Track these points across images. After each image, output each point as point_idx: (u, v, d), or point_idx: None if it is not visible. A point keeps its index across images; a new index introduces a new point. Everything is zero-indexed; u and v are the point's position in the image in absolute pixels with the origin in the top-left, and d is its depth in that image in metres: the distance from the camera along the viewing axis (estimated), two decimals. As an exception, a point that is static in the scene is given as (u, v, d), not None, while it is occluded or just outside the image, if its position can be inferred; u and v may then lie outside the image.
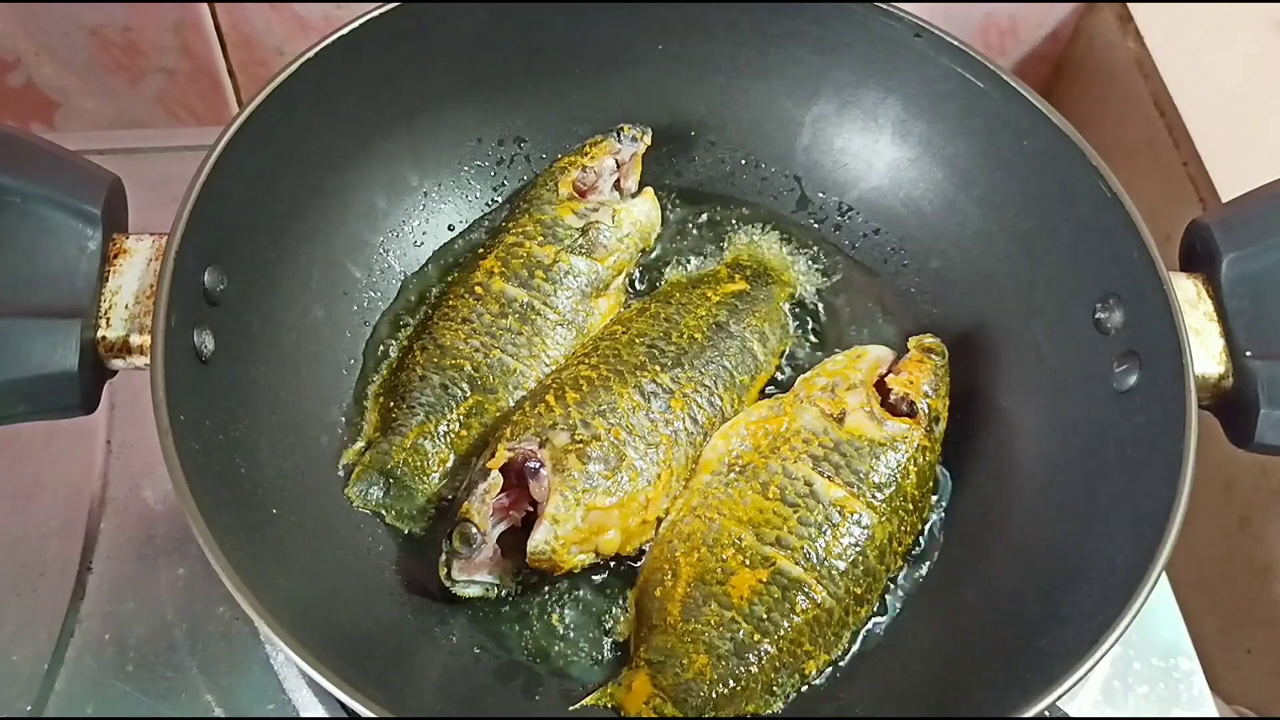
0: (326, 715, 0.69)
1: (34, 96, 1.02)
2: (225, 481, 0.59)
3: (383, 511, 0.66)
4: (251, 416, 0.64)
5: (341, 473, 0.68)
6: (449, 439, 0.68)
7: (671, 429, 0.67)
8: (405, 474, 0.67)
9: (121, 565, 0.73)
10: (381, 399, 0.70)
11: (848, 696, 0.64)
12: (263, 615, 0.51)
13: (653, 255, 0.78)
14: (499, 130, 0.79)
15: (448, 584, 0.62)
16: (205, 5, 0.96)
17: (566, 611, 0.65)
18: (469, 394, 0.68)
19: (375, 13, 0.69)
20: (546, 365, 0.70)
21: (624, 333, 0.71)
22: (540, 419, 0.65)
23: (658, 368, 0.68)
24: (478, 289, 0.72)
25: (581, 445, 0.63)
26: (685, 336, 0.71)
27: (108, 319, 0.60)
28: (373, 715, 0.51)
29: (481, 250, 0.76)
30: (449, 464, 0.67)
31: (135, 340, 0.60)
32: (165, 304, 0.57)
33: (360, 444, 0.69)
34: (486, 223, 0.78)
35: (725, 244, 0.79)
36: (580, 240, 0.73)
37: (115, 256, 0.61)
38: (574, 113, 0.79)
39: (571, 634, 0.64)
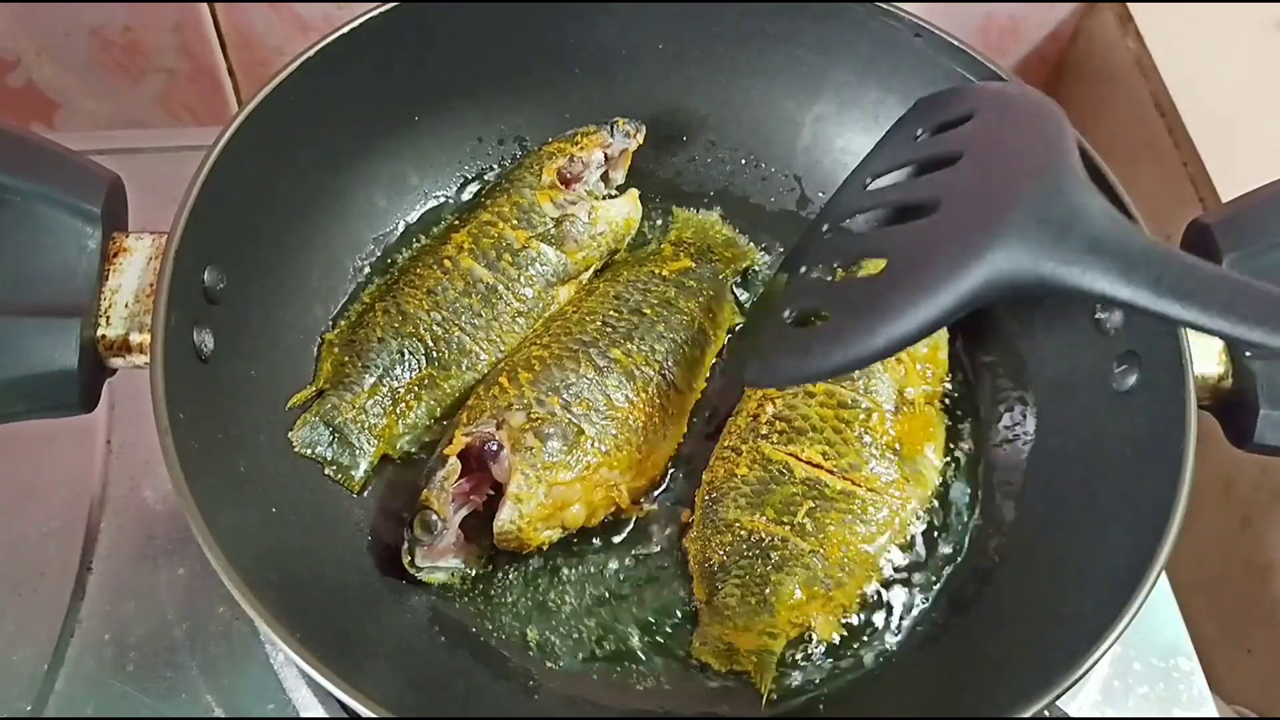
0: (326, 715, 0.69)
1: (34, 96, 1.02)
2: (225, 481, 0.59)
3: (321, 463, 0.67)
4: (251, 415, 0.64)
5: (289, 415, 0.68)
6: (397, 406, 0.68)
7: (627, 401, 0.67)
8: (350, 431, 0.67)
9: (121, 565, 0.73)
10: (336, 350, 0.70)
11: (845, 697, 0.64)
12: (263, 615, 0.51)
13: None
14: (499, 130, 0.79)
15: (411, 570, 0.62)
16: (205, 5, 0.96)
17: (566, 607, 0.65)
18: (424, 366, 0.69)
19: (375, 12, 0.69)
20: (501, 351, 0.71)
21: (574, 312, 0.72)
22: (495, 401, 0.65)
23: (608, 342, 0.69)
24: (446, 262, 0.72)
25: (538, 423, 0.64)
26: (635, 312, 0.71)
27: (107, 317, 0.60)
28: (373, 715, 0.51)
29: (456, 222, 0.76)
30: (395, 431, 0.68)
31: (135, 339, 0.60)
32: (165, 302, 0.57)
33: (311, 389, 0.69)
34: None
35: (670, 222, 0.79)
36: (553, 230, 0.73)
37: (115, 255, 0.61)
38: (574, 113, 0.79)
39: (574, 630, 0.64)
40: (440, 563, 0.63)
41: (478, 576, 0.65)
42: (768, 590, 0.63)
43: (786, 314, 0.63)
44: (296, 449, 0.66)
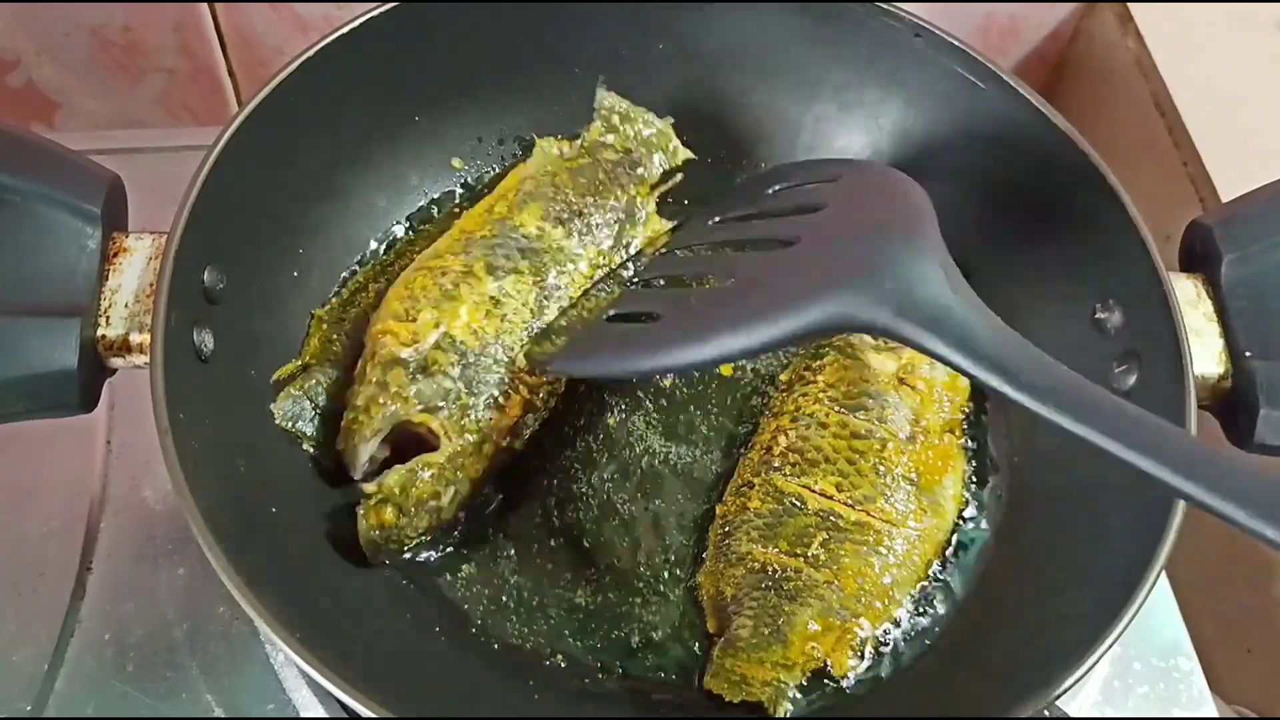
0: (326, 715, 0.69)
1: (34, 96, 1.02)
2: (225, 481, 0.59)
3: (301, 438, 0.66)
4: (251, 415, 0.64)
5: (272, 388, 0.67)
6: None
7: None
8: (332, 410, 0.66)
9: (121, 565, 0.73)
10: (325, 328, 0.70)
11: (842, 697, 0.64)
12: (263, 615, 0.51)
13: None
14: (499, 130, 0.79)
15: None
16: (205, 5, 0.96)
17: (567, 608, 0.65)
18: None
19: (375, 12, 0.69)
20: None
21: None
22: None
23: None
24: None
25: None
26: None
27: (107, 317, 0.60)
28: (373, 715, 0.51)
29: (457, 209, 0.76)
30: None
31: (135, 339, 0.60)
32: (165, 302, 0.57)
33: (296, 363, 0.68)
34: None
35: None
36: None
37: (115, 255, 0.61)
38: (574, 113, 0.79)
39: (575, 631, 0.65)
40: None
41: (478, 577, 0.65)
42: (781, 621, 0.62)
43: (609, 314, 0.62)
44: (278, 421, 0.65)
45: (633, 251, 0.74)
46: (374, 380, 0.64)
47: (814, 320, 0.53)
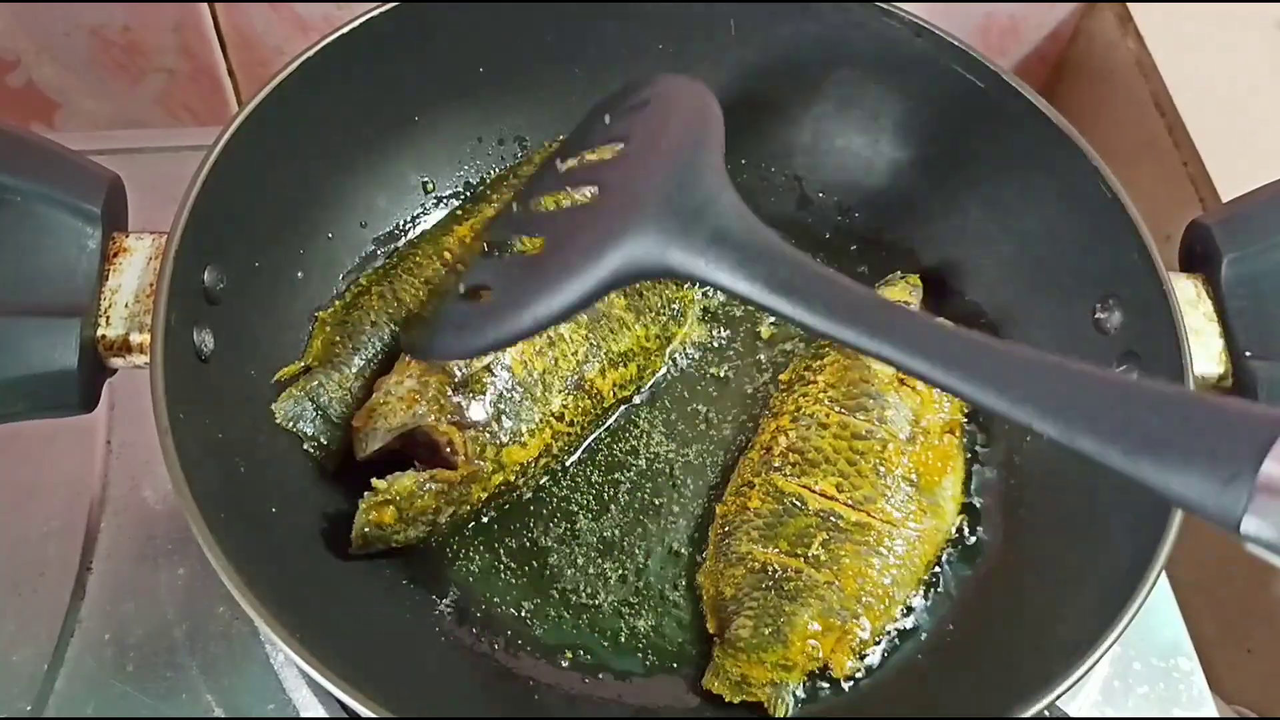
0: (326, 715, 0.69)
1: (34, 96, 1.02)
2: (225, 481, 0.59)
3: (302, 438, 0.66)
4: (251, 415, 0.64)
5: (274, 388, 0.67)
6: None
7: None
8: (333, 411, 0.67)
9: (121, 565, 0.73)
10: (328, 329, 0.70)
11: (840, 696, 0.64)
12: (263, 615, 0.51)
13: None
14: (499, 130, 0.79)
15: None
16: (205, 5, 0.96)
17: (568, 609, 0.65)
18: None
19: (375, 12, 0.69)
20: None
21: None
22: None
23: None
24: (446, 254, 0.72)
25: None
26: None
27: (107, 317, 0.60)
28: (373, 715, 0.51)
29: (460, 213, 0.76)
30: None
31: (135, 339, 0.60)
32: (165, 302, 0.57)
33: (299, 365, 0.68)
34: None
35: None
36: None
37: (115, 255, 0.61)
38: (574, 113, 0.78)
39: (576, 632, 0.65)
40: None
41: (479, 577, 0.65)
42: (781, 621, 0.62)
43: (461, 288, 0.61)
44: (278, 421, 0.66)
45: (671, 349, 0.75)
46: (416, 375, 0.64)
47: (608, 276, 0.52)
